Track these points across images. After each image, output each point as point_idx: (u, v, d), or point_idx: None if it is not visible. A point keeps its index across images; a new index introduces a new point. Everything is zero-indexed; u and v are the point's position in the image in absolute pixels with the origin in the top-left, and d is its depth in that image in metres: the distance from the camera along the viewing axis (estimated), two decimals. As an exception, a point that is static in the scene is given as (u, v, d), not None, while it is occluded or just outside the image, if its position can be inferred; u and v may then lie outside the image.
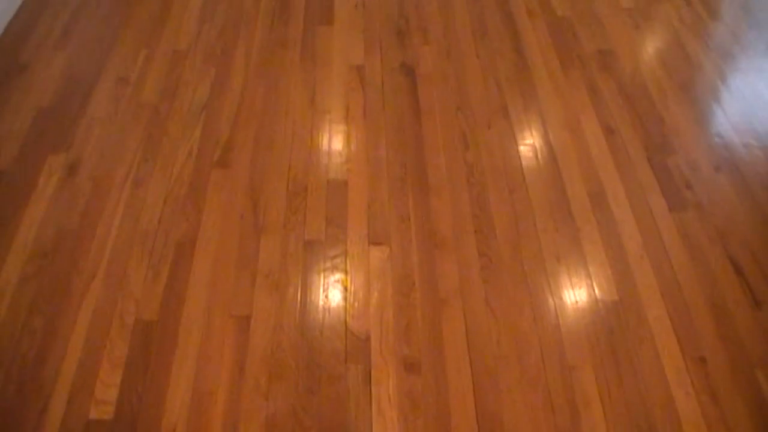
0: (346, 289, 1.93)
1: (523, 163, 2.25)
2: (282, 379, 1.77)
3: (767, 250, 2.05)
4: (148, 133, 2.34)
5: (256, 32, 2.77)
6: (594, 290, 1.95)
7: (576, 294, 1.94)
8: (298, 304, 1.89)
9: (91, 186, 2.17)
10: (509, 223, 2.08)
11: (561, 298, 1.92)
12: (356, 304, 1.89)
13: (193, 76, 2.56)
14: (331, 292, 1.92)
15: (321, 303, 1.90)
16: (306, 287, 1.93)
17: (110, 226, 2.07)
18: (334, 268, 1.97)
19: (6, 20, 2.84)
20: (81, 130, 2.35)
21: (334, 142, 2.31)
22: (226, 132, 2.34)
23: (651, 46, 2.78)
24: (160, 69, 2.60)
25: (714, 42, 2.81)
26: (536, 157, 2.27)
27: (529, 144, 2.32)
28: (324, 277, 1.95)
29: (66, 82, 2.55)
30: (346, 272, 1.96)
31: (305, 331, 1.85)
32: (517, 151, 2.29)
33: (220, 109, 2.42)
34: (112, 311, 1.88)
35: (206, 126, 2.36)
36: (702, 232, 2.09)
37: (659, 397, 1.77)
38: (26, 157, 2.27)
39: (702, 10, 3.00)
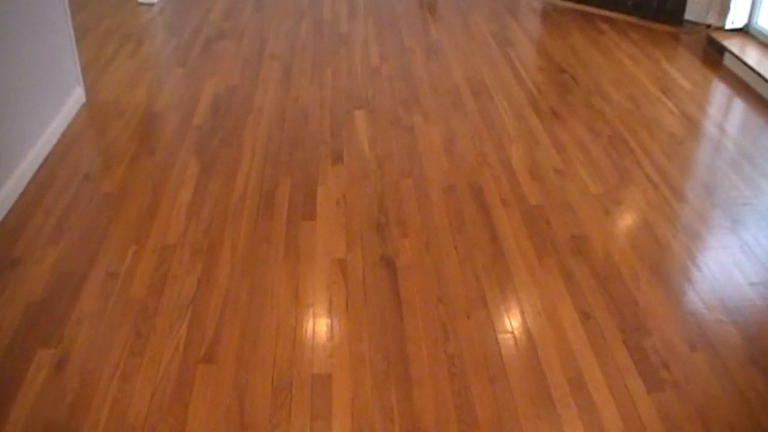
0: (331, 485, 1.99)
1: (503, 351, 2.37)
2: None
3: (745, 424, 2.13)
4: (135, 329, 2.45)
5: (241, 228, 2.96)
6: (577, 479, 2.01)
7: (560, 484, 2.00)
8: (284, 503, 1.95)
9: (79, 381, 2.26)
10: (491, 413, 2.17)
11: (545, 489, 1.99)
12: (342, 501, 1.95)
13: (181, 272, 2.71)
14: (316, 489, 1.98)
15: (307, 501, 1.95)
16: (291, 484, 1.99)
17: (97, 421, 2.13)
18: (320, 464, 2.04)
19: (1, 215, 3.02)
20: (70, 325, 2.47)
21: (318, 336, 2.43)
22: (212, 327, 2.46)
23: (621, 230, 2.98)
24: (149, 264, 2.75)
25: (681, 222, 3.02)
26: (515, 345, 2.40)
27: (507, 332, 2.45)
28: (309, 474, 2.02)
29: (57, 276, 2.69)
30: (331, 468, 2.03)
31: None
32: (496, 340, 2.42)
33: (206, 305, 2.55)
34: None
35: (193, 321, 2.48)
36: (681, 411, 2.18)
37: None
38: (16, 350, 2.37)
39: (667, 191, 3.24)
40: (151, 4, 5.77)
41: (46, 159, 3.48)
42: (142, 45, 4.96)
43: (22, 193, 3.20)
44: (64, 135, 3.71)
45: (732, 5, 4.83)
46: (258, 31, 5.20)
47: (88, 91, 4.17)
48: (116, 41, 5.02)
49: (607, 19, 5.52)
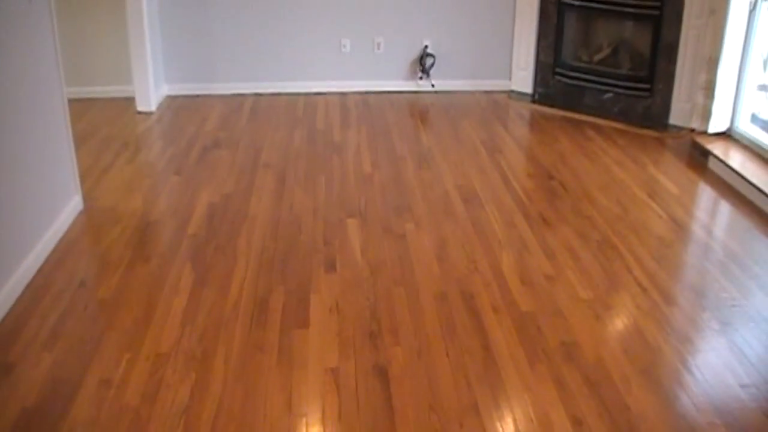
0: None
1: (495, 459, 2.40)
2: None
3: None
4: (128, 439, 2.47)
5: (235, 336, 3.01)
6: None
7: None
8: None
9: (69, 494, 2.27)
10: None
11: None
12: None
13: (174, 379, 2.74)
14: None
15: None
16: None
17: None
18: None
19: (-4, 321, 3.08)
20: (63, 433, 2.49)
21: (311, 445, 2.45)
22: (205, 437, 2.48)
23: (612, 335, 3.03)
24: (143, 372, 2.79)
25: (671, 326, 3.08)
26: (507, 453, 2.42)
27: (500, 440, 2.47)
28: None
29: (51, 383, 2.72)
30: None
31: None
32: (489, 448, 2.44)
33: (199, 413, 2.58)
34: None
35: (186, 430, 2.50)
36: None
37: None
38: (8, 458, 2.39)
39: (657, 296, 3.30)
40: (149, 113, 5.95)
41: (43, 265, 3.55)
42: (139, 153, 5.10)
43: (18, 299, 3.25)
44: (60, 241, 3.79)
45: (713, 110, 5.00)
46: (252, 140, 5.36)
47: (86, 197, 4.27)
48: (114, 149, 5.16)
49: (594, 126, 5.70)
